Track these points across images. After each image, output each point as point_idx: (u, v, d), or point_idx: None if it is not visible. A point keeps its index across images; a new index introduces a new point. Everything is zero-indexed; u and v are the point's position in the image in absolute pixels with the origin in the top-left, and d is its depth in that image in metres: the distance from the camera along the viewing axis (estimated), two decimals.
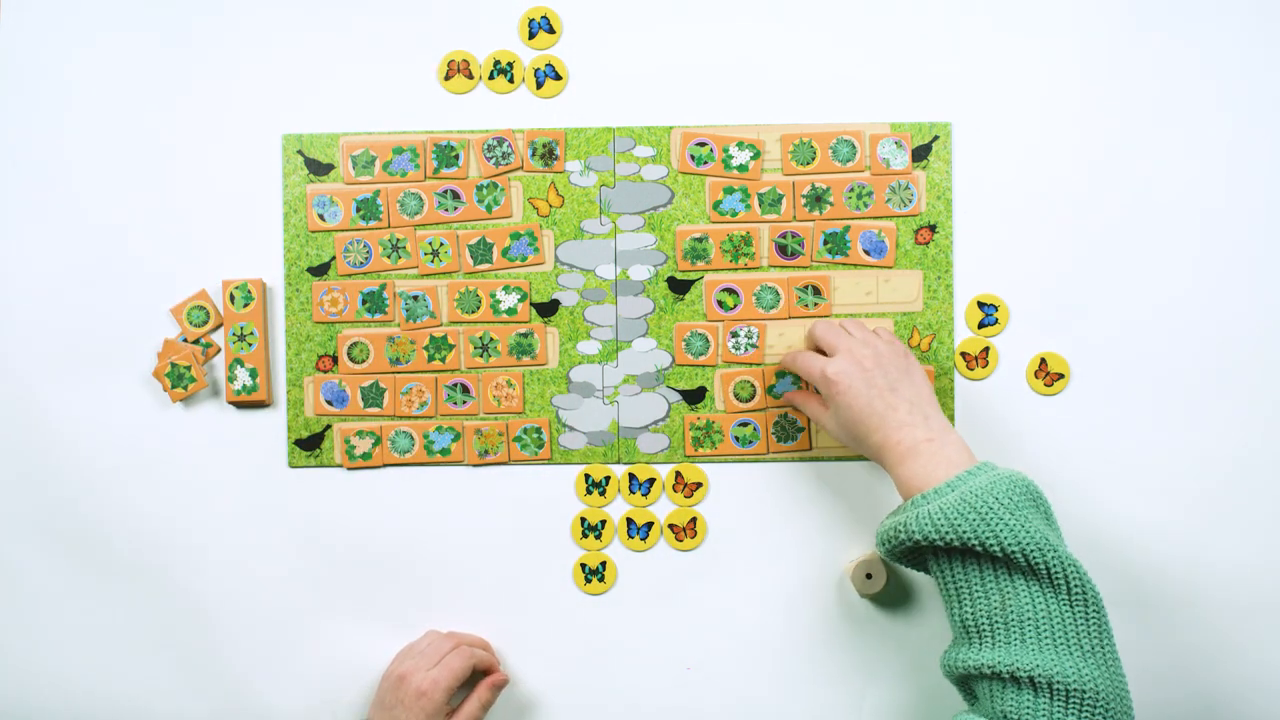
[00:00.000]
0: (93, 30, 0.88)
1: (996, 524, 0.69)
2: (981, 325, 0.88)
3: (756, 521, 0.89)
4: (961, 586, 0.71)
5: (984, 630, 0.69)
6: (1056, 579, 0.68)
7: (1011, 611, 0.68)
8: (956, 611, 0.71)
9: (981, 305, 0.88)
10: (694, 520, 0.89)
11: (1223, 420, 0.88)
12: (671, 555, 0.89)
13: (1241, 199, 0.88)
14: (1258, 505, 0.87)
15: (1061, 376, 0.88)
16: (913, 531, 0.71)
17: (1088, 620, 0.68)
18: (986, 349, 0.88)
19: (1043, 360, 0.88)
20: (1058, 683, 0.65)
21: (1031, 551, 0.68)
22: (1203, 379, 0.88)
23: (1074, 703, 0.65)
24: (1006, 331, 0.88)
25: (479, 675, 0.86)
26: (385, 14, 0.89)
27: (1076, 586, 0.68)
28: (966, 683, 0.71)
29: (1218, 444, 0.88)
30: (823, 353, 0.82)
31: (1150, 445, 0.88)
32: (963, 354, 0.88)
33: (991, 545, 0.69)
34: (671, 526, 0.89)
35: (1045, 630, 0.67)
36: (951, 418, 0.88)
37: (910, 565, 0.75)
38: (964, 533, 0.69)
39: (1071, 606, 0.68)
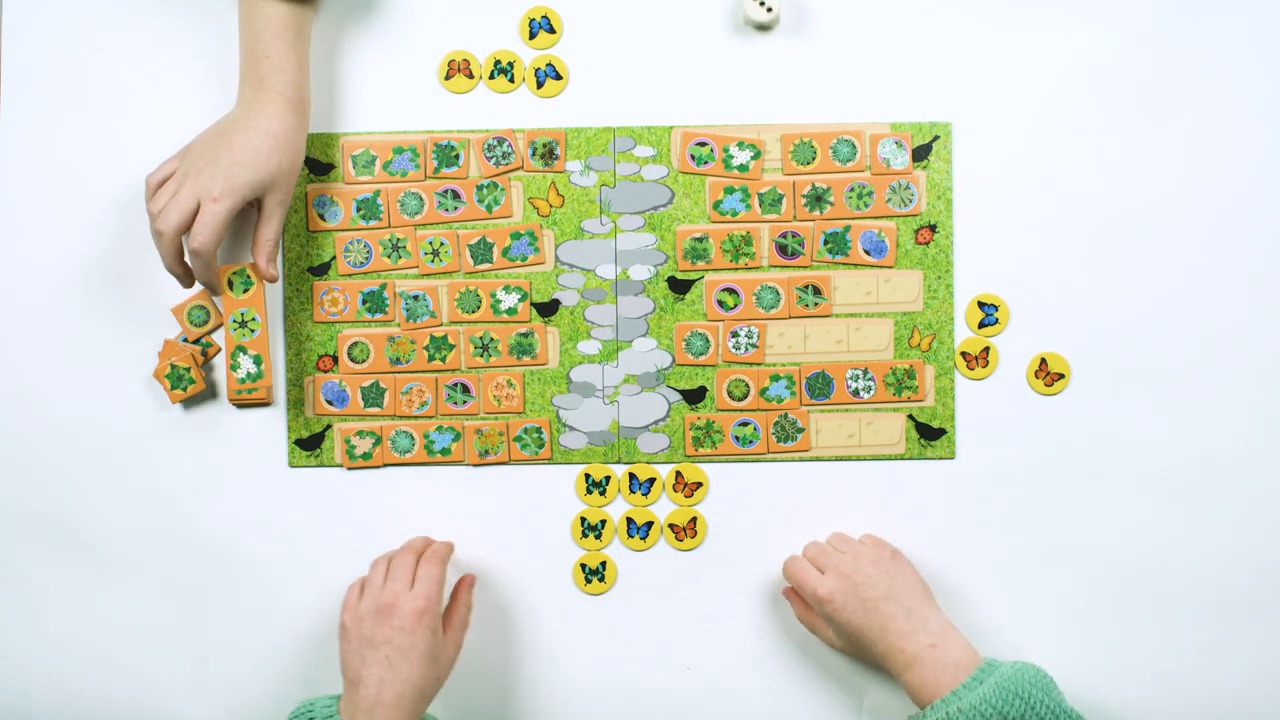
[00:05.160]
0: (93, 30, 0.88)
1: None
2: (981, 325, 0.88)
3: (756, 521, 0.89)
4: None
5: None
6: None
7: None
8: None
9: (981, 305, 0.88)
10: (694, 520, 0.89)
11: (1223, 420, 0.87)
12: (671, 555, 0.89)
13: (1242, 198, 0.88)
14: (1258, 505, 0.87)
15: (1061, 376, 0.88)
16: None
17: None
18: (986, 349, 0.88)
19: (1043, 360, 0.88)
20: None
21: None
22: (1203, 379, 0.88)
23: None
24: (1006, 331, 0.88)
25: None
26: (385, 14, 0.89)
27: None
28: None
29: (1218, 443, 0.88)
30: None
31: (1150, 445, 0.88)
32: (963, 354, 0.88)
33: None
34: (671, 526, 0.89)
35: None
36: (952, 417, 0.88)
37: None
38: None
39: None
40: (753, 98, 0.88)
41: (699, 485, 0.89)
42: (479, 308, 0.88)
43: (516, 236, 0.88)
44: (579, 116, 0.89)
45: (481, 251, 0.88)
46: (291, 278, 0.88)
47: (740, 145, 0.88)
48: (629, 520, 0.89)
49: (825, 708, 0.88)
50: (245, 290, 0.84)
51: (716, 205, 0.88)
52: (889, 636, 0.79)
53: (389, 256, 0.88)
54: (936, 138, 0.88)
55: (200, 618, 0.89)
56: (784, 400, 0.88)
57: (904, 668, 0.78)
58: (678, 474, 0.89)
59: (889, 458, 0.88)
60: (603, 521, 0.89)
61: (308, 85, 0.83)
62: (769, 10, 0.84)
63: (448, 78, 0.89)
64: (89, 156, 0.88)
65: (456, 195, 0.88)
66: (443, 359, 0.89)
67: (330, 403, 0.89)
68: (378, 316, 0.88)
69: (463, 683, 0.87)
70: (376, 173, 0.88)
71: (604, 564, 0.89)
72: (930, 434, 0.88)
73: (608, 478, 0.89)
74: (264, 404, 0.88)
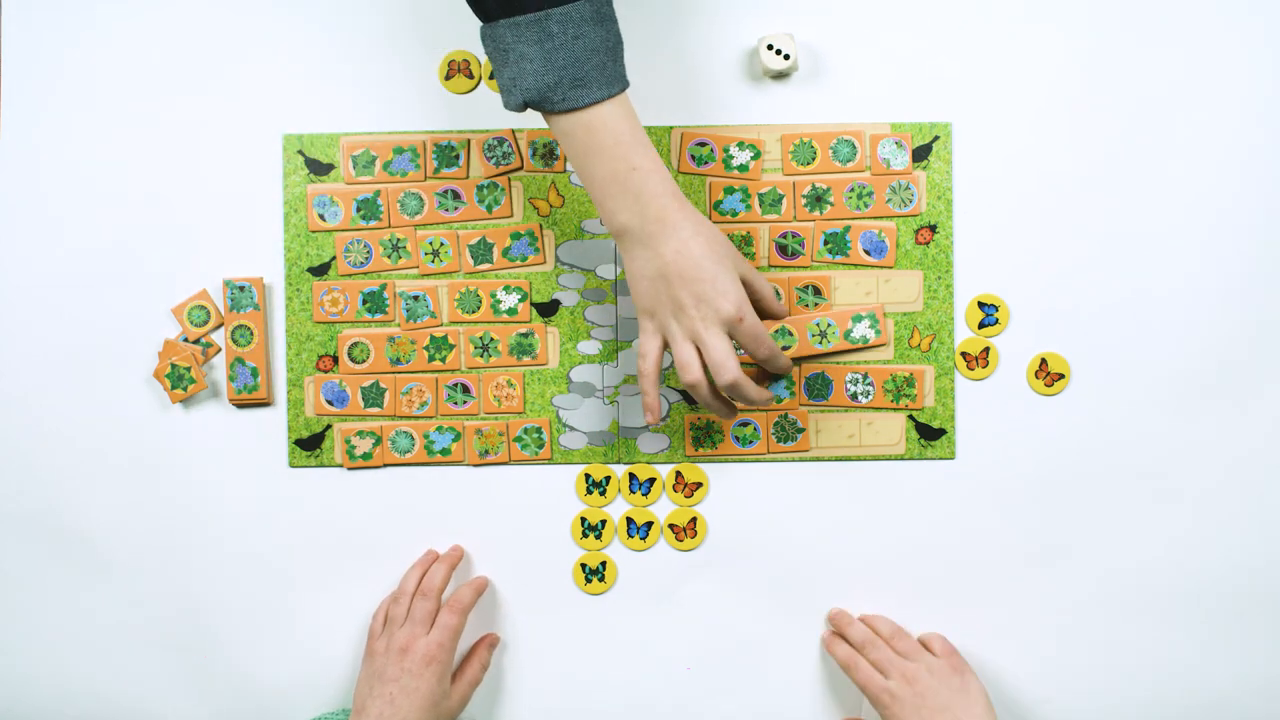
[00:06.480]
0: (93, 30, 0.88)
1: None
2: (981, 325, 0.88)
3: (756, 521, 0.89)
4: None
5: None
6: None
7: None
8: None
9: (981, 305, 0.88)
10: (694, 520, 0.89)
11: (1222, 420, 0.88)
12: (671, 555, 0.89)
13: (1241, 198, 0.88)
14: (1257, 504, 0.88)
15: (1061, 376, 0.88)
16: None
17: None
18: (987, 349, 0.88)
19: (1043, 360, 0.88)
20: None
21: None
22: (1202, 379, 0.88)
23: None
24: (1006, 331, 0.88)
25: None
26: (385, 14, 0.89)
27: None
28: None
29: (1217, 444, 0.88)
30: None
31: (1150, 445, 0.88)
32: (963, 354, 0.88)
33: None
34: (671, 526, 0.89)
35: None
36: (952, 418, 0.88)
37: None
38: None
39: None
40: (753, 98, 0.88)
41: (699, 485, 0.89)
42: (479, 308, 0.88)
43: (517, 236, 0.88)
44: None
45: (481, 251, 0.88)
46: (292, 278, 0.88)
47: (740, 145, 0.88)
48: (629, 520, 0.89)
49: (825, 708, 0.88)
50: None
51: (716, 205, 0.88)
52: None
53: (389, 256, 0.88)
54: (936, 138, 0.88)
55: (200, 618, 0.89)
56: (783, 400, 0.88)
57: None
58: (678, 474, 0.89)
59: (889, 458, 0.88)
60: (603, 521, 0.89)
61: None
62: (785, 58, 0.84)
63: (448, 78, 0.89)
64: (89, 156, 0.88)
65: (456, 195, 0.88)
66: (443, 359, 0.89)
67: (330, 403, 0.89)
68: (378, 316, 0.88)
69: None
70: (376, 173, 0.88)
71: (604, 564, 0.89)
72: (930, 434, 0.88)
73: (608, 478, 0.89)
74: (264, 404, 0.88)
